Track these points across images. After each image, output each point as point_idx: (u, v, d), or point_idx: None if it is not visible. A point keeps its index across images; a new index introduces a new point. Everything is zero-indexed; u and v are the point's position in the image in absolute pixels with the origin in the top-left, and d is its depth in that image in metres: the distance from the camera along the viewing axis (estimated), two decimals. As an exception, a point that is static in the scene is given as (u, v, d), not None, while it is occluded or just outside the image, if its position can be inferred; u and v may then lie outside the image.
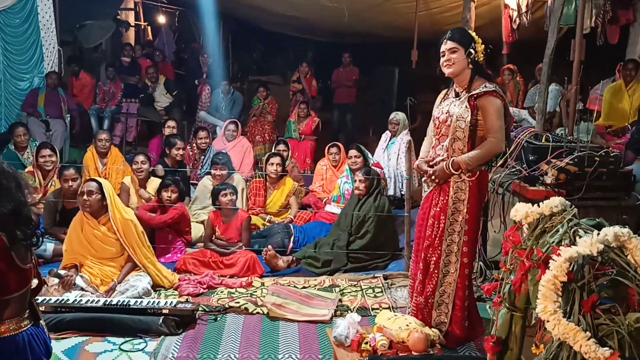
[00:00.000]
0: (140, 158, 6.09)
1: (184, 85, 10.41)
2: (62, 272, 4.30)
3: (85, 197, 4.43)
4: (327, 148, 7.00)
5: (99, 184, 4.48)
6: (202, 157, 7.21)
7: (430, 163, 3.62)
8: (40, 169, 6.02)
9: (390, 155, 7.04)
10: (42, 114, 8.34)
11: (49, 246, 5.11)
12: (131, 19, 13.07)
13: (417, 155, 4.03)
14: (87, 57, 10.85)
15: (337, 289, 4.57)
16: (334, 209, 6.15)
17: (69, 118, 8.61)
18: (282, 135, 9.05)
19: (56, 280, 4.21)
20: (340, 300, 4.32)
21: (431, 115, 3.75)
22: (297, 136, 8.76)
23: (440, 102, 3.69)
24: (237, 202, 5.57)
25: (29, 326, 2.80)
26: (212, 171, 6.15)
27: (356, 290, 4.55)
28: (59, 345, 3.58)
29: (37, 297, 2.98)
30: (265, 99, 9.35)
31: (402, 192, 6.68)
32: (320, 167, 7.05)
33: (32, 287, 2.81)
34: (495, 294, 2.53)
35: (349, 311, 4.07)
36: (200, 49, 11.41)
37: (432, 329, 3.43)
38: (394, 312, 3.85)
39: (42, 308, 3.78)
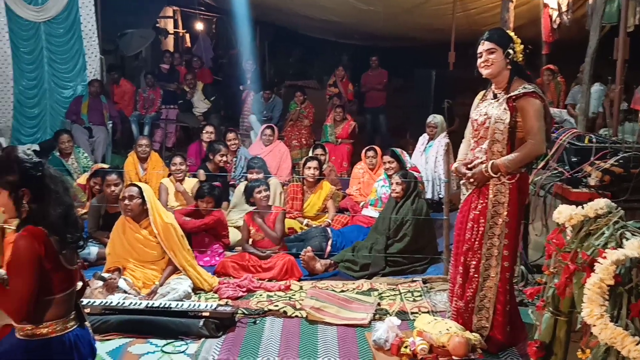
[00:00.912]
0: (178, 159, 6.19)
1: (221, 91, 10.54)
2: (105, 275, 4.40)
3: (126, 201, 4.53)
4: (364, 152, 6.99)
5: (140, 188, 4.57)
6: (234, 159, 7.28)
7: (469, 166, 3.57)
8: (91, 190, 6.17)
9: (428, 158, 6.98)
10: (85, 121, 8.57)
11: (92, 250, 5.24)
12: (170, 27, 13.33)
13: (455, 157, 3.98)
14: (127, 65, 11.11)
15: (376, 293, 4.55)
16: (371, 212, 6.13)
17: (110, 125, 8.82)
18: (318, 139, 9.08)
19: (100, 283, 4.31)
20: (378, 304, 4.30)
21: (469, 117, 3.71)
22: (334, 140, 8.77)
23: (478, 104, 3.64)
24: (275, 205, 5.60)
25: (75, 327, 2.88)
26: (249, 176, 6.19)
27: (395, 294, 4.53)
28: (103, 347, 3.66)
29: (81, 299, 3.06)
30: (302, 103, 9.40)
31: (440, 195, 6.62)
32: (357, 170, 7.03)
33: (77, 289, 2.89)
34: (538, 298, 2.49)
35: (388, 315, 4.05)
36: (238, 54, 11.54)
37: (473, 334, 3.39)
38: (434, 316, 3.81)
39: (87, 310, 3.87)
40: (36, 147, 8.28)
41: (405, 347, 3.09)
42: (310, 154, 7.09)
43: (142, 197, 4.53)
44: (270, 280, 4.83)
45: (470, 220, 3.55)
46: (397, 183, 5.28)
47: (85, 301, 4.03)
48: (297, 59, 13.92)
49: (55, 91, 8.93)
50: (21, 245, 2.58)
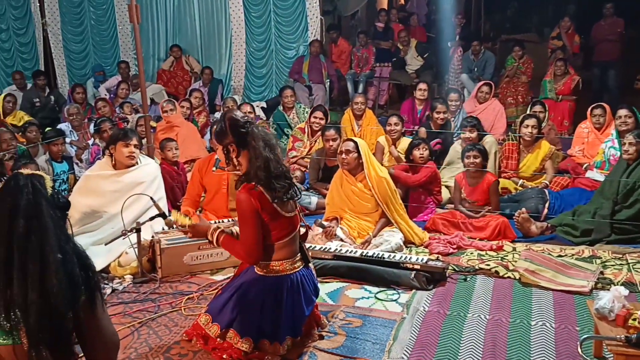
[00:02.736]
0: (394, 119, 6.31)
1: (434, 47, 10.41)
2: (325, 223, 4.73)
3: (343, 155, 4.77)
4: (589, 109, 6.42)
5: (356, 143, 4.77)
6: (452, 118, 7.19)
7: None
8: (310, 128, 6.65)
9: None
10: (306, 79, 9.14)
11: (313, 199, 5.64)
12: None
13: None
14: (344, 24, 11.49)
15: (598, 261, 4.24)
16: (596, 175, 5.66)
17: (328, 83, 9.27)
18: (536, 96, 8.54)
19: (320, 230, 4.65)
20: (601, 272, 4.01)
21: None
22: (554, 96, 8.18)
23: None
24: (489, 165, 5.46)
25: (301, 267, 3.17)
26: (462, 134, 6.10)
27: (621, 264, 4.17)
28: (323, 288, 3.96)
29: (305, 243, 3.35)
30: (521, 58, 8.89)
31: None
32: (581, 130, 6.50)
33: (300, 234, 3.17)
34: None
35: (612, 285, 3.76)
36: (452, 9, 11.23)
37: None
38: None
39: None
40: (263, 104, 9.07)
41: (634, 319, 2.85)
42: (527, 112, 6.74)
43: (358, 152, 4.73)
44: (481, 240, 4.77)
45: None
46: (630, 143, 4.77)
47: (306, 245, 4.39)
48: (514, 10, 13.10)
49: (280, 52, 9.67)
50: (241, 200, 2.94)
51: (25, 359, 1.76)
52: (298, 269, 3.15)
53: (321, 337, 3.30)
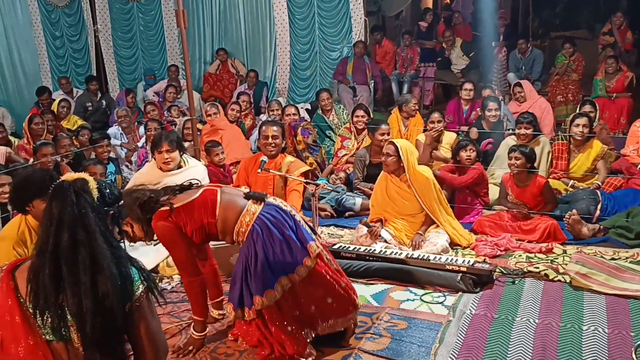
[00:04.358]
0: (436, 116, 6.24)
1: (480, 46, 10.23)
2: (370, 223, 4.72)
3: (384, 158, 4.75)
4: (646, 107, 6.20)
5: (396, 146, 4.72)
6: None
7: None
8: (355, 126, 6.65)
9: None
10: (350, 80, 9.13)
11: (357, 200, 5.64)
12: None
13: None
14: (388, 25, 11.43)
15: (654, 264, 4.09)
16: (652, 175, 5.46)
17: (372, 84, 9.24)
18: (587, 94, 8.30)
19: (365, 230, 4.64)
20: (657, 276, 3.87)
21: None
22: (605, 94, 7.92)
23: None
24: (541, 166, 5.33)
25: (261, 208, 3.14)
26: (517, 131, 5.96)
27: (680, 268, 4.02)
28: (368, 290, 3.96)
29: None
30: (571, 55, 8.65)
31: None
32: (636, 128, 6.26)
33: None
34: None
35: (670, 290, 3.62)
36: (498, 7, 11.03)
37: None
38: None
39: (352, 256, 4.23)
40: (308, 106, 9.11)
41: (692, 325, 2.75)
42: (577, 111, 6.55)
43: (398, 155, 4.69)
44: (530, 242, 4.66)
45: None
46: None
47: (351, 247, 4.39)
48: (564, 7, 12.76)
49: (324, 54, 9.69)
50: (159, 227, 3.06)
51: (76, 354, 1.82)
52: (257, 213, 3.10)
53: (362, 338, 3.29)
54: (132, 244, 3.21)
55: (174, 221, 3.03)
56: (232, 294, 3.12)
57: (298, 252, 3.05)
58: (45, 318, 1.77)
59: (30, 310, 1.80)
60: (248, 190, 3.42)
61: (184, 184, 3.19)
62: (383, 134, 5.83)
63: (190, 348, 3.26)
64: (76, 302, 1.75)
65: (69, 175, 1.90)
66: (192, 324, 3.30)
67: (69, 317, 1.78)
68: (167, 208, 3.01)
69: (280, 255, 3.02)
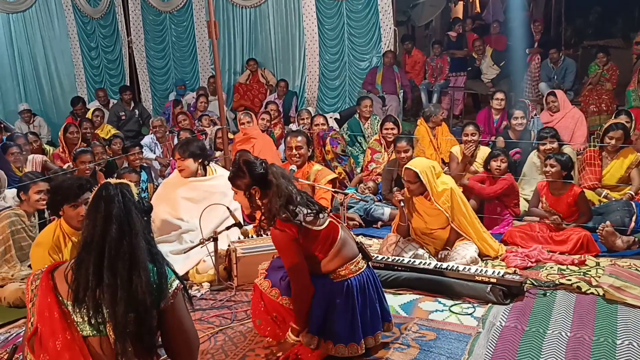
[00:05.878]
0: (470, 129, 6.08)
1: (511, 56, 10.14)
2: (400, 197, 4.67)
3: (406, 185, 4.64)
4: (680, 117, 6.07)
5: (415, 172, 4.50)
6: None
7: None
8: (384, 139, 6.66)
9: None
10: (379, 90, 9.14)
11: (386, 210, 5.62)
12: (459, -7, 13.22)
13: None
14: (418, 34, 11.42)
15: (691, 278, 3.99)
16: (688, 187, 5.33)
17: (402, 93, 9.23)
18: (621, 105, 8.15)
19: (394, 239, 4.61)
20: (695, 290, 3.77)
21: None
22: (639, 105, 7.77)
23: None
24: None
25: (364, 268, 3.18)
26: (540, 146, 5.89)
27: None
28: (396, 300, 3.94)
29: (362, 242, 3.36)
30: (605, 65, 8.51)
31: None
32: (671, 139, 6.15)
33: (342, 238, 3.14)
34: None
35: None
36: (530, 16, 10.93)
37: None
38: None
39: (380, 265, 4.21)
40: (337, 116, 9.13)
41: None
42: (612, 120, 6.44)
43: (420, 180, 4.59)
44: (562, 254, 4.59)
45: None
46: None
47: (379, 257, 4.38)
48: (598, 15, 12.56)
49: (353, 63, 9.72)
50: (276, 234, 2.98)
51: (110, 349, 1.89)
52: (362, 270, 3.16)
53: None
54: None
55: (294, 233, 2.99)
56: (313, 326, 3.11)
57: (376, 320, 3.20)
58: (82, 310, 1.88)
59: (69, 308, 1.91)
60: (361, 241, 3.41)
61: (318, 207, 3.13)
62: (399, 152, 5.80)
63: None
64: (111, 291, 1.87)
65: (112, 180, 2.06)
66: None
67: (105, 311, 1.88)
68: (297, 225, 2.99)
69: (368, 316, 3.14)
